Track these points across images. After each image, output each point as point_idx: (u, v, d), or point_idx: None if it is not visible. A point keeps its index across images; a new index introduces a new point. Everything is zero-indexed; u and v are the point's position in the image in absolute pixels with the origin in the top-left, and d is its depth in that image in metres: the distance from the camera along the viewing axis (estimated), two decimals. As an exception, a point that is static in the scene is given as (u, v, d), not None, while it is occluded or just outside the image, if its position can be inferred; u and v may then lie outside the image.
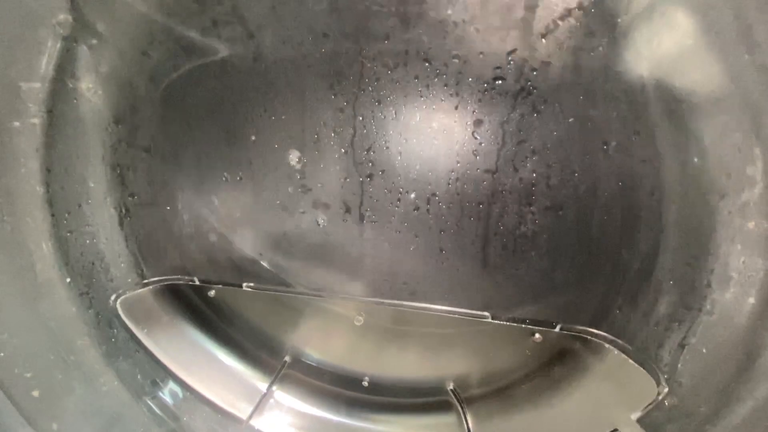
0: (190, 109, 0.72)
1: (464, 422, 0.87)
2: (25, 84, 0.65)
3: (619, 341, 0.70)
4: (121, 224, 0.80)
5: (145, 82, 0.71)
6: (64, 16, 0.65)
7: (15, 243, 0.69)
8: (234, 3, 0.62)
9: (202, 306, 0.95)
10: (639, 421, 0.68)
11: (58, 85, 0.68)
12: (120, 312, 0.82)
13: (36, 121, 0.68)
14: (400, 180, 0.68)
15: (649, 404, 0.67)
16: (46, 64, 0.66)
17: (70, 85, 0.69)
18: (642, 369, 0.68)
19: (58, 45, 0.66)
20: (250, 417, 0.90)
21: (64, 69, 0.67)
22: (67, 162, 0.73)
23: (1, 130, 0.65)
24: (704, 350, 0.61)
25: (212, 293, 0.94)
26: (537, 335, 0.85)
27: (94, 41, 0.67)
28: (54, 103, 0.68)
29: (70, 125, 0.71)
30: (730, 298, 0.58)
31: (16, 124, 0.66)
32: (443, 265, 0.72)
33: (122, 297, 0.82)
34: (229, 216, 0.77)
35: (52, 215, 0.73)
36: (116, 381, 0.80)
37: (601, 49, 0.56)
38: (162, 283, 0.85)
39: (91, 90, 0.71)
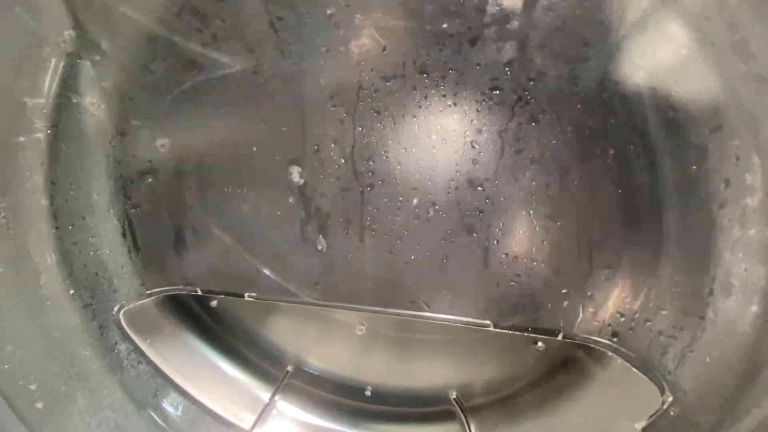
0: (191, 122, 0.73)
1: (468, 431, 0.86)
2: (30, 100, 0.66)
3: (622, 349, 0.69)
4: (124, 235, 0.81)
5: (147, 96, 0.72)
6: (68, 34, 0.66)
7: (20, 255, 0.70)
8: (234, 19, 0.63)
9: (205, 316, 0.96)
10: (644, 430, 0.67)
11: (62, 100, 0.69)
12: (123, 323, 0.82)
13: (41, 135, 0.69)
14: (400, 189, 0.69)
15: (654, 413, 0.66)
16: (50, 80, 0.67)
17: (74, 101, 0.70)
18: (645, 377, 0.67)
19: (62, 62, 0.67)
20: (253, 427, 0.89)
21: (68, 85, 0.69)
22: (71, 175, 0.74)
23: (7, 145, 0.67)
24: (708, 359, 0.60)
25: (214, 303, 0.94)
26: (539, 343, 0.84)
27: (98, 57, 0.69)
28: (58, 118, 0.70)
29: (74, 139, 0.72)
30: (733, 306, 0.57)
31: (22, 139, 0.68)
32: (444, 273, 0.72)
33: (125, 308, 0.82)
34: (231, 226, 0.78)
35: (57, 227, 0.73)
36: (119, 392, 0.81)
37: (596, 59, 0.57)
38: (164, 294, 0.85)
39: (94, 105, 0.72)
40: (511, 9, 0.57)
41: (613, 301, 0.68)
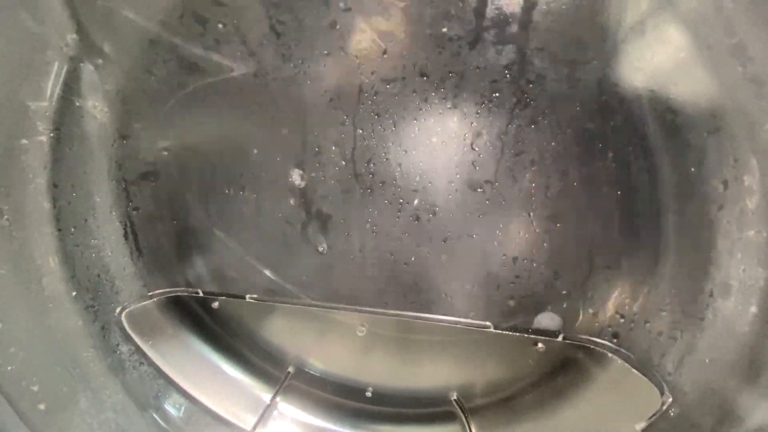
0: (193, 125, 0.73)
1: (468, 432, 0.86)
2: (33, 103, 0.67)
3: (622, 350, 0.70)
4: (126, 237, 0.81)
5: (149, 99, 0.72)
6: (71, 38, 0.67)
7: (23, 258, 0.71)
8: (236, 22, 0.64)
9: (206, 318, 0.96)
10: (644, 431, 0.67)
11: (65, 103, 0.69)
12: (125, 324, 0.83)
13: (43, 138, 0.69)
14: (400, 191, 0.69)
15: (654, 414, 0.66)
16: (53, 84, 0.67)
17: (77, 104, 0.71)
18: (645, 378, 0.67)
19: (65, 65, 0.67)
20: (254, 428, 0.90)
21: (71, 88, 0.69)
22: (73, 178, 0.74)
23: (10, 148, 0.67)
24: (707, 360, 0.60)
25: (216, 305, 0.94)
26: (540, 345, 0.84)
27: (100, 61, 0.69)
28: (61, 121, 0.70)
29: (77, 142, 0.73)
30: (732, 307, 0.57)
31: (25, 141, 0.68)
32: (444, 275, 0.72)
33: (127, 309, 0.83)
34: (232, 229, 0.78)
35: (59, 230, 0.74)
36: (121, 393, 0.81)
37: (595, 62, 0.57)
38: (166, 296, 0.86)
39: (97, 108, 0.72)
40: (510, 12, 0.57)
41: (613, 302, 0.69)
